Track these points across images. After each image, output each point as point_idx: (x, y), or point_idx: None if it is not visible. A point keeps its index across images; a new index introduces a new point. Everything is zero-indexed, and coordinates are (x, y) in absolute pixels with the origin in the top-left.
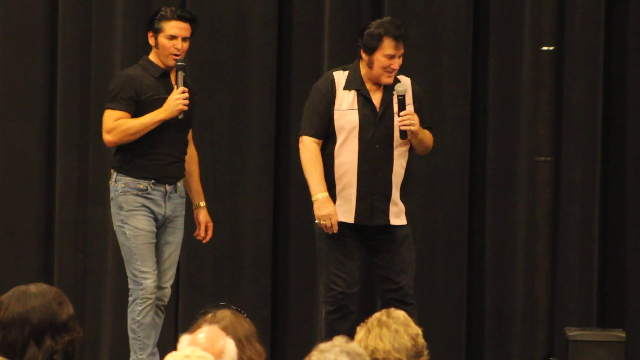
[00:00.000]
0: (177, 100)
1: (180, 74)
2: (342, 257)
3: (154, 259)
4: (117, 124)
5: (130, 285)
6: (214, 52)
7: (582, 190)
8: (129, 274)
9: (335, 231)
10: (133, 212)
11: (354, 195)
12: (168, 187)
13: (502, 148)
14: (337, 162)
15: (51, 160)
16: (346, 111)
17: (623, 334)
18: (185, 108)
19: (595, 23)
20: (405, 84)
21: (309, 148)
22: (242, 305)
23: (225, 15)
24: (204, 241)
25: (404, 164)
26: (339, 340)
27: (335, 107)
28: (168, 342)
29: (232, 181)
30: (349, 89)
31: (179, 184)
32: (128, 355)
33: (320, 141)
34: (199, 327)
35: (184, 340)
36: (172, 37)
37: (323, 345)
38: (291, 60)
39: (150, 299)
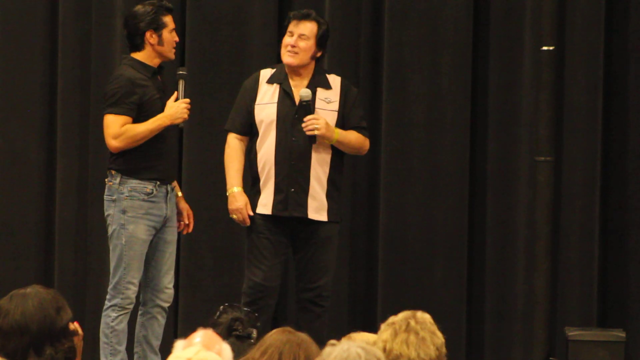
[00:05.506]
0: (184, 110)
1: (182, 83)
2: (264, 250)
3: (141, 270)
4: (124, 130)
5: (110, 290)
6: (214, 52)
7: (582, 190)
8: (113, 279)
9: (247, 224)
10: (136, 218)
11: (272, 187)
12: (169, 187)
13: (502, 148)
14: (259, 155)
15: (51, 161)
16: (266, 105)
17: (623, 334)
18: (187, 118)
19: (595, 23)
20: (308, 90)
21: (229, 144)
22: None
23: (225, 15)
24: (185, 231)
25: (328, 160)
26: (359, 337)
27: (257, 101)
28: (168, 343)
29: None
30: (272, 83)
31: (175, 183)
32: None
33: (244, 137)
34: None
35: (179, 345)
36: (173, 30)
37: (344, 341)
38: None
39: (127, 308)
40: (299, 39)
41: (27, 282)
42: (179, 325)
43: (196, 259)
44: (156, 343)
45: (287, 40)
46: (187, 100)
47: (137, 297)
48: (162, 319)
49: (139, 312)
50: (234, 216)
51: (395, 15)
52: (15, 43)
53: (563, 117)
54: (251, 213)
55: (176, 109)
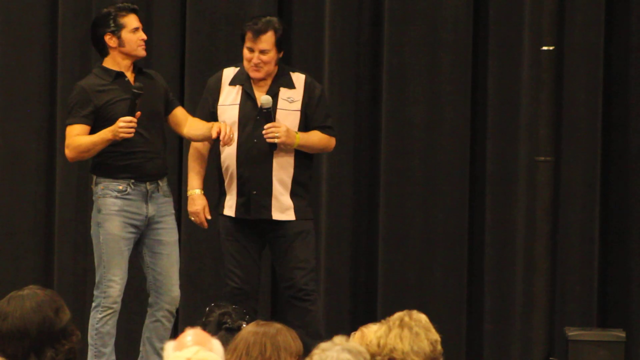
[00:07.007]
0: (120, 129)
1: (132, 100)
2: (235, 253)
3: (123, 268)
4: (71, 141)
5: (95, 291)
6: (214, 52)
7: (582, 190)
8: (96, 278)
9: (204, 227)
10: (109, 215)
11: (235, 189)
12: (149, 186)
13: (502, 148)
14: (222, 157)
15: (51, 160)
16: (228, 106)
17: (623, 334)
18: (128, 136)
19: (595, 23)
20: (269, 97)
21: (192, 144)
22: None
23: (225, 15)
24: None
25: (291, 161)
26: (339, 339)
27: (220, 102)
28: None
29: None
30: (234, 85)
31: (162, 183)
32: (129, 355)
33: None
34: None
35: (170, 346)
36: (135, 29)
37: (324, 345)
38: (291, 60)
39: (112, 308)
40: (261, 54)
41: (27, 282)
42: (179, 326)
43: (196, 259)
44: (159, 345)
45: (247, 55)
46: (128, 118)
47: (147, 298)
48: (167, 323)
49: (147, 314)
50: (192, 218)
51: (395, 16)
52: (15, 43)
53: (563, 117)
54: (209, 217)
55: (116, 125)
